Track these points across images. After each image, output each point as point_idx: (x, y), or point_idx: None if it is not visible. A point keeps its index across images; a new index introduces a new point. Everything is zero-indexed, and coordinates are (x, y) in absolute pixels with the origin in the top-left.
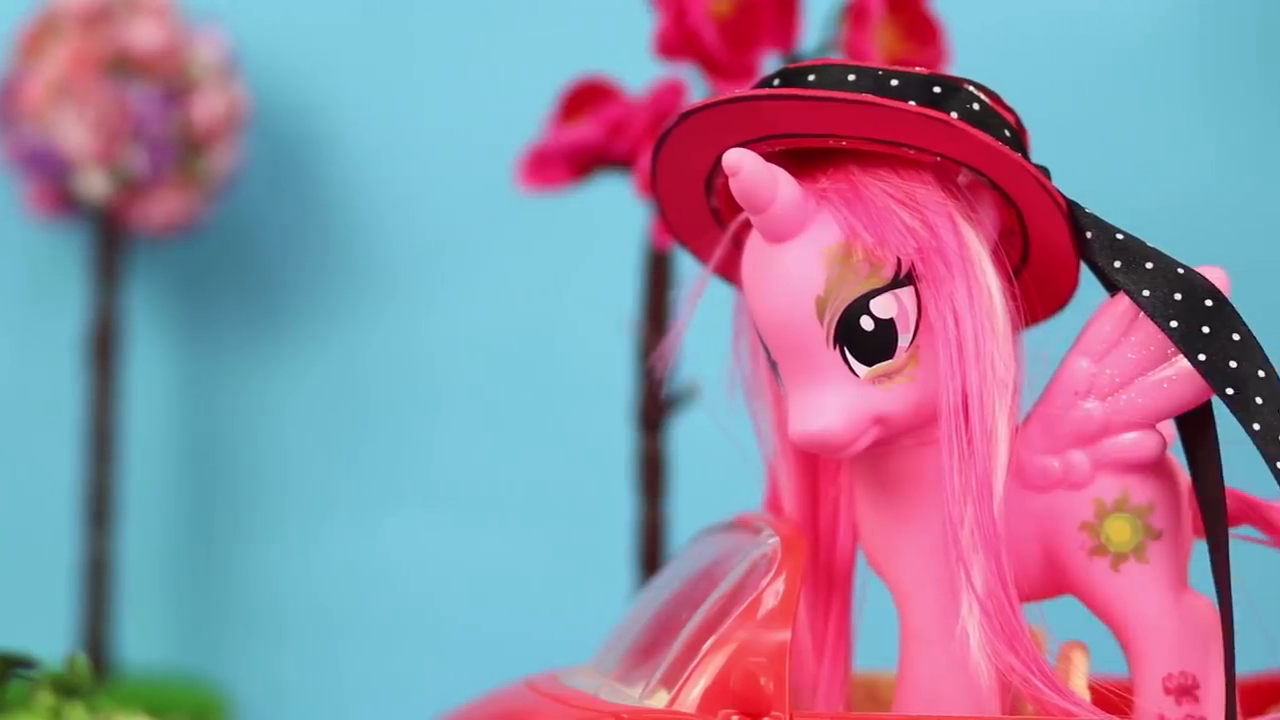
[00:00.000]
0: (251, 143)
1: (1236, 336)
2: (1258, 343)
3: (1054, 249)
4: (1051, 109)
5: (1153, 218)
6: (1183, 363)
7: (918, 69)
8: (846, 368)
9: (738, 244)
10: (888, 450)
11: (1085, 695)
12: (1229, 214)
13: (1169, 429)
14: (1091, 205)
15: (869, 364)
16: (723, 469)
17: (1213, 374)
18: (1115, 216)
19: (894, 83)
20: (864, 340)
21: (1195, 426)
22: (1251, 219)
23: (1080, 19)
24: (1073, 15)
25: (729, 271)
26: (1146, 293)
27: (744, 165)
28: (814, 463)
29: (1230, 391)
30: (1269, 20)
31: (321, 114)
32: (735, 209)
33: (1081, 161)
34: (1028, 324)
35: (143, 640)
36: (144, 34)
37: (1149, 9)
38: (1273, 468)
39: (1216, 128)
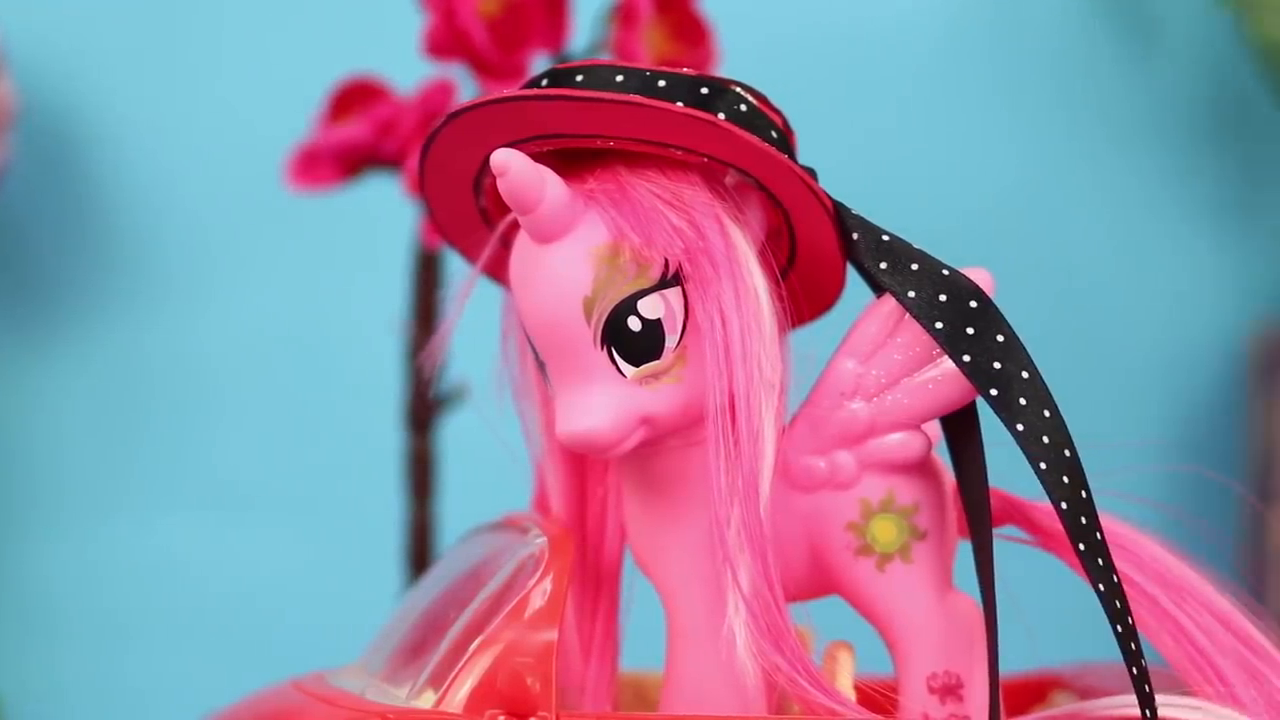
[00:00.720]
0: (19, 139)
1: (1000, 338)
2: (1021, 344)
3: (820, 250)
4: (831, 111)
5: (945, 220)
6: (948, 364)
7: (686, 70)
8: (614, 368)
9: (506, 244)
10: (655, 450)
11: (851, 695)
12: (1024, 216)
13: (934, 430)
14: (877, 207)
15: (636, 364)
16: (491, 469)
17: (977, 375)
18: (904, 219)
19: (662, 84)
20: (631, 341)
21: (960, 427)
22: (1046, 220)
23: (865, 20)
24: (858, 17)
25: (497, 271)
26: (912, 294)
27: (511, 166)
28: (582, 463)
29: (994, 392)
30: (1060, 20)
31: (91, 111)
32: (503, 209)
33: (869, 163)
34: (795, 325)
35: None
36: None
37: (935, 10)
38: (1036, 468)
39: (1008, 129)
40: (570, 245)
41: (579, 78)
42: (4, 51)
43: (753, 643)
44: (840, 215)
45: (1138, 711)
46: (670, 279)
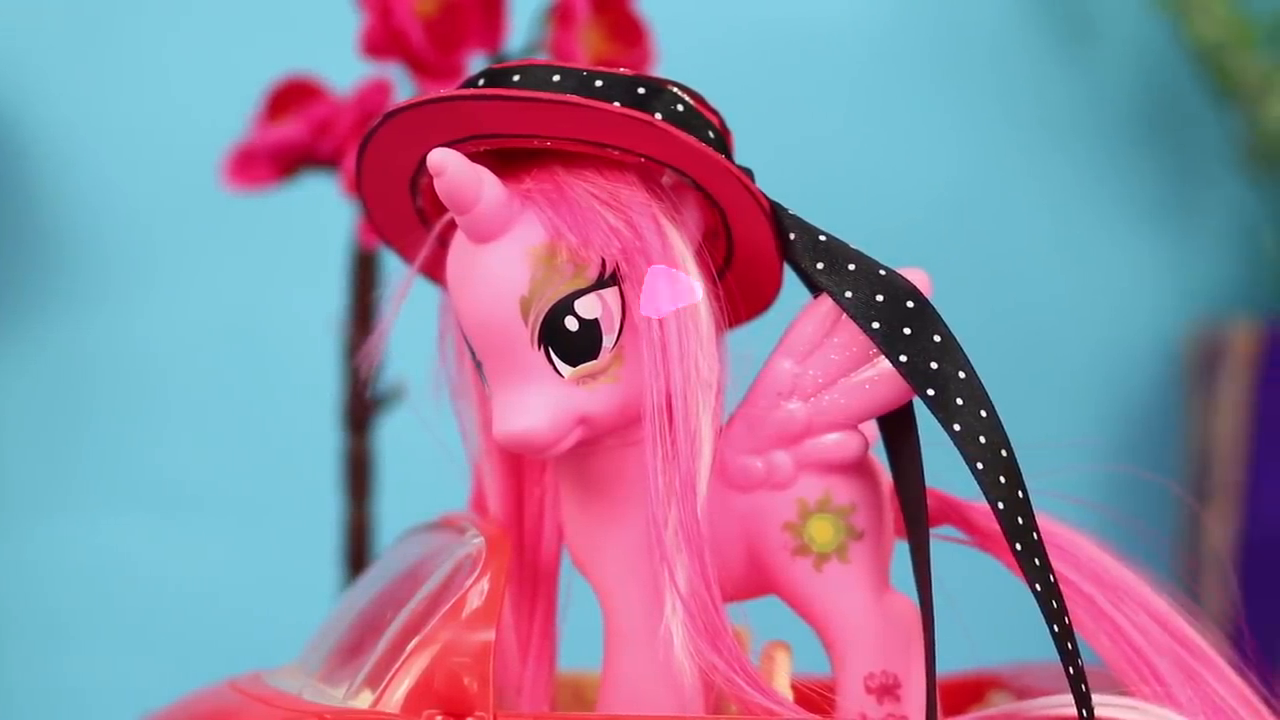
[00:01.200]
0: None
1: (937, 338)
2: (958, 344)
3: (757, 250)
4: (769, 111)
5: (884, 220)
6: (884, 364)
7: (623, 70)
8: (551, 368)
9: (443, 244)
10: (592, 450)
11: (788, 694)
12: (962, 217)
13: (871, 430)
14: (815, 207)
15: (573, 364)
16: (429, 469)
17: (914, 375)
18: (842, 220)
19: (598, 84)
20: (568, 341)
21: (897, 427)
22: (985, 222)
23: (803, 21)
24: (796, 17)
25: (435, 271)
26: (849, 294)
27: (448, 165)
28: (519, 463)
29: (931, 392)
30: (999, 22)
31: (29, 110)
32: (441, 209)
33: (807, 163)
34: (732, 325)
35: None
36: None
37: (874, 11)
38: (973, 468)
39: (947, 130)
40: (507, 245)
41: (516, 77)
42: None
43: (690, 643)
44: (777, 215)
45: (1074, 711)
46: (607, 279)
